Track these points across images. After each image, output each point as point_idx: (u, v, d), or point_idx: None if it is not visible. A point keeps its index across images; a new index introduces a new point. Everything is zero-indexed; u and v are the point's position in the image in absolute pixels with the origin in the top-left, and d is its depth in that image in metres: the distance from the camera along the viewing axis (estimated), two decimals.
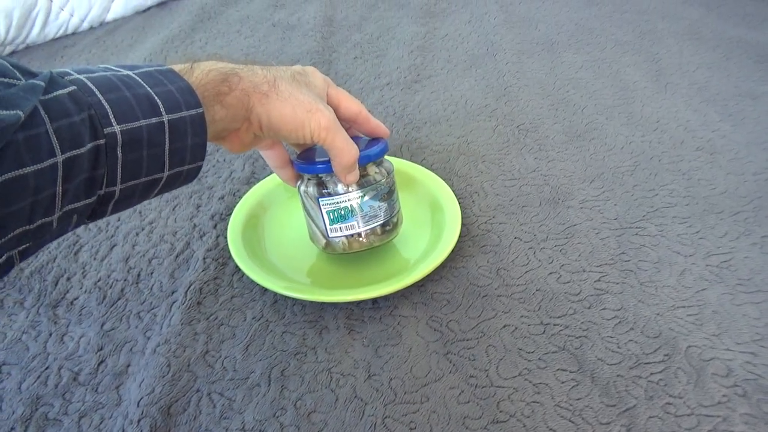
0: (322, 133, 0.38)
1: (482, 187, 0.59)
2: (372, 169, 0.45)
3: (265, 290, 0.49)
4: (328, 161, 0.42)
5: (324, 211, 0.44)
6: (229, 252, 0.52)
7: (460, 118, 0.70)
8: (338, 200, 0.44)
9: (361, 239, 0.46)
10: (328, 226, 0.45)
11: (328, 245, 0.46)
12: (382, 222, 0.46)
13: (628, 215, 0.54)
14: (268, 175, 0.60)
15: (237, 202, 0.57)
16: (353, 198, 0.44)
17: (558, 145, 0.64)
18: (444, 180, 0.58)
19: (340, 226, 0.45)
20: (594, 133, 0.66)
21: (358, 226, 0.45)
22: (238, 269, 0.51)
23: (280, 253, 0.51)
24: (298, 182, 0.46)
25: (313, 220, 0.46)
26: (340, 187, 0.44)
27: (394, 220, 0.47)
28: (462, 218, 0.53)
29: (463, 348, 0.42)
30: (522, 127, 0.68)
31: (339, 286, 0.47)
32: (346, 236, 0.45)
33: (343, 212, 0.44)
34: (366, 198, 0.44)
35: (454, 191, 0.56)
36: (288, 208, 0.57)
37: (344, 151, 0.40)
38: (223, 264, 0.52)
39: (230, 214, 0.56)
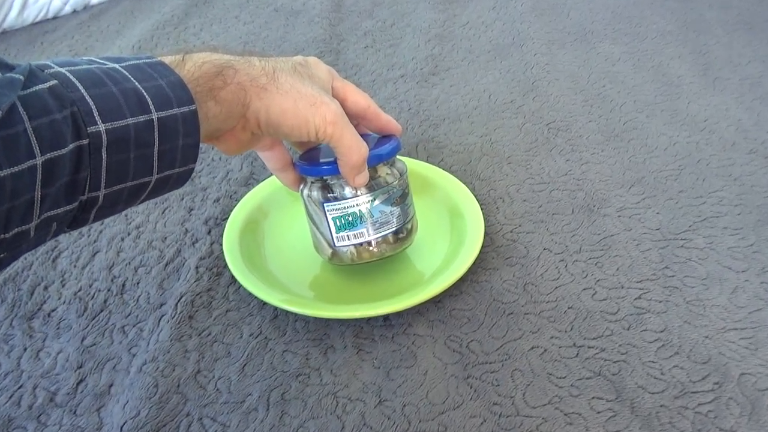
0: (328, 129, 0.38)
1: (507, 192, 0.59)
2: (383, 171, 0.45)
3: (264, 304, 0.49)
4: (334, 162, 0.42)
5: (330, 218, 0.45)
6: (224, 261, 0.52)
7: (482, 115, 0.70)
8: (345, 205, 0.44)
9: (371, 248, 0.46)
10: (334, 234, 0.45)
11: (335, 255, 0.47)
12: (394, 229, 0.46)
13: (673, 225, 0.54)
14: (270, 176, 0.60)
15: (234, 206, 0.57)
16: (362, 202, 0.44)
17: (593, 145, 0.65)
18: (465, 183, 0.58)
19: (348, 233, 0.45)
20: (633, 132, 0.66)
21: (368, 234, 0.45)
22: (234, 280, 0.51)
23: (281, 263, 0.51)
24: (301, 186, 0.46)
25: (317, 228, 0.46)
26: (348, 191, 0.44)
27: (408, 227, 0.47)
28: (485, 226, 0.53)
29: (486, 372, 0.42)
30: (552, 126, 0.68)
31: (346, 300, 0.47)
32: (355, 245, 0.45)
33: (350, 218, 0.44)
34: (376, 202, 0.44)
35: (475, 196, 0.56)
36: (291, 213, 0.57)
37: (352, 149, 0.40)
38: (218, 274, 0.52)
39: (226, 218, 0.57)
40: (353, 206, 0.44)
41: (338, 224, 0.45)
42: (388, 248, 0.46)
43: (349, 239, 0.45)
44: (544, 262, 0.51)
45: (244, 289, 0.50)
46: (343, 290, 0.49)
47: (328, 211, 0.45)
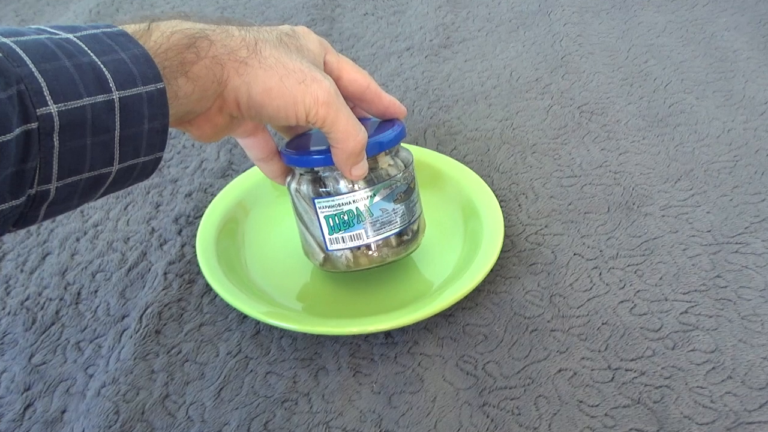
0: (320, 111, 0.38)
1: (532, 186, 0.59)
2: (385, 161, 0.45)
3: (244, 317, 0.49)
4: (327, 150, 0.42)
5: (321, 216, 0.45)
6: (197, 266, 0.52)
7: (503, 96, 0.71)
8: (340, 202, 0.44)
9: (370, 253, 0.46)
10: (326, 236, 0.45)
11: (327, 261, 0.47)
12: (398, 230, 0.46)
13: (726, 227, 0.54)
14: (251, 166, 0.60)
15: (209, 201, 0.57)
16: (360, 199, 0.44)
17: (633, 132, 0.65)
18: (481, 176, 0.58)
19: (343, 235, 0.45)
20: (680, 117, 0.66)
21: (367, 236, 0.45)
22: (209, 289, 0.51)
23: (264, 269, 0.51)
24: (288, 178, 0.47)
25: (307, 228, 0.47)
26: (343, 185, 0.44)
27: (414, 227, 0.48)
28: (505, 227, 0.53)
29: (505, 398, 0.42)
30: (585, 109, 0.68)
31: (341, 314, 0.47)
32: (351, 249, 0.46)
33: (346, 217, 0.44)
34: (377, 199, 0.44)
35: (494, 191, 0.56)
36: (276, 210, 0.57)
37: (349, 134, 0.40)
38: (190, 282, 0.52)
39: (200, 216, 0.57)
40: (349, 203, 0.44)
41: (331, 224, 0.45)
42: (391, 253, 0.47)
43: (344, 242, 0.45)
44: (574, 269, 0.51)
45: (221, 300, 0.50)
46: (338, 302, 0.49)
47: (319, 208, 0.45)
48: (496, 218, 0.52)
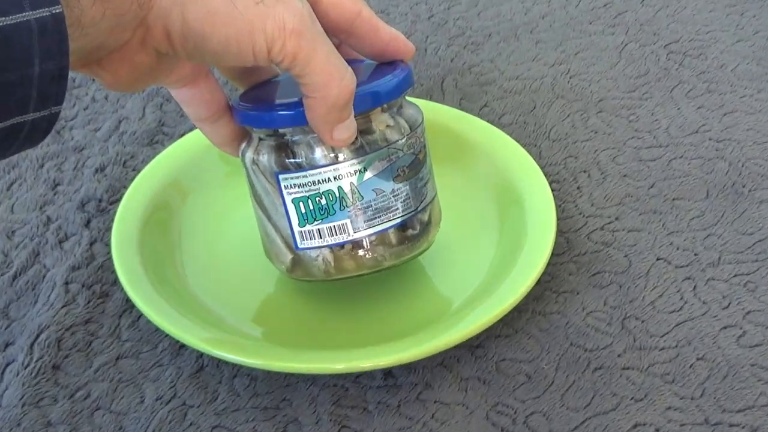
0: (288, 43, 0.38)
1: (596, 160, 0.59)
2: (381, 121, 0.46)
3: (180, 347, 0.49)
4: (299, 104, 0.43)
5: (289, 200, 0.45)
6: (113, 273, 0.52)
7: (556, 29, 0.71)
8: (316, 178, 0.45)
9: (359, 254, 0.47)
10: (295, 228, 0.46)
11: (298, 265, 0.48)
12: (399, 221, 0.47)
13: None
14: (192, 129, 0.60)
15: (131, 180, 0.57)
16: (344, 174, 0.45)
17: (743, 83, 0.65)
18: (524, 146, 0.58)
19: (319, 227, 0.46)
20: None
21: (354, 229, 0.46)
22: (130, 306, 0.51)
23: (210, 278, 0.52)
24: (243, 146, 0.47)
25: (269, 217, 0.47)
26: (320, 154, 0.44)
27: (424, 217, 0.48)
28: (558, 220, 0.53)
29: None
30: (675, 49, 0.69)
31: (320, 343, 0.48)
32: (331, 247, 0.46)
33: (324, 201, 0.45)
34: (369, 174, 0.45)
35: (542, 168, 0.56)
36: (228, 193, 0.57)
37: (330, 78, 0.40)
38: (104, 295, 0.52)
39: (117, 201, 0.57)
40: (328, 180, 0.45)
41: (303, 211, 0.45)
42: (389, 254, 0.47)
43: (320, 237, 0.46)
44: (656, 280, 0.52)
45: (148, 322, 0.50)
46: (315, 326, 0.49)
47: (285, 188, 0.45)
48: (544, 207, 0.53)
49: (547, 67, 0.68)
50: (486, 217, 0.55)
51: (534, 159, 0.57)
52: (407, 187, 0.47)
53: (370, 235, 0.46)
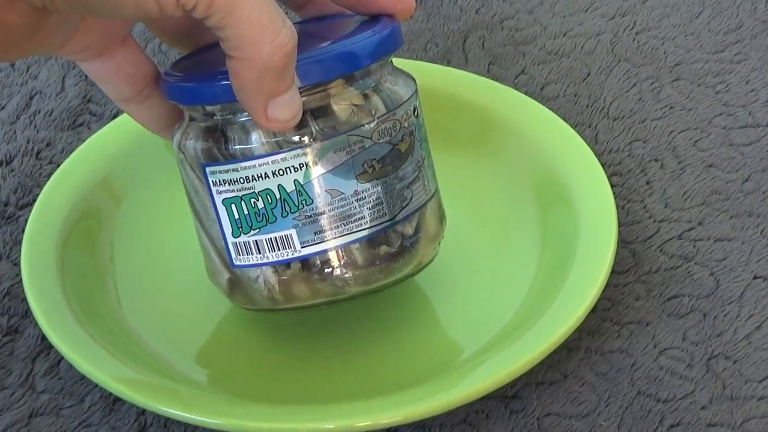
0: None
1: (672, 145, 0.57)
2: (344, 96, 0.43)
3: (116, 400, 0.46)
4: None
5: (219, 200, 0.43)
6: (25, 301, 0.49)
7: None
8: (250, 173, 0.43)
9: (312, 276, 0.45)
10: (229, 239, 0.44)
11: (236, 287, 0.46)
12: (365, 233, 0.44)
13: None
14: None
15: (48, 176, 0.55)
16: (287, 167, 0.43)
17: None
18: (574, 127, 0.56)
19: (257, 238, 0.43)
20: None
21: (301, 242, 0.44)
22: (47, 345, 0.48)
23: (153, 308, 0.50)
24: (176, 127, 0.46)
25: (201, 224, 0.46)
26: (257, 140, 0.43)
27: (407, 230, 0.46)
28: (620, 225, 0.51)
29: None
30: None
31: (296, 395, 0.46)
32: (274, 266, 0.44)
33: (261, 204, 0.43)
34: (320, 170, 0.43)
35: (598, 155, 0.54)
36: (177, 196, 0.52)
37: (260, 32, 0.38)
38: (12, 332, 0.50)
39: (29, 205, 0.55)
40: (266, 176, 0.42)
41: (236, 216, 0.43)
42: (354, 278, 0.45)
43: (259, 251, 0.44)
44: (753, 306, 0.49)
45: (70, 367, 0.47)
46: (290, 371, 0.47)
47: (213, 184, 0.43)
48: (601, 208, 0.50)
49: (606, 20, 0.65)
50: (522, 223, 0.53)
51: (588, 144, 0.54)
52: (378, 188, 0.43)
53: (323, 252, 0.43)
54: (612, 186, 0.51)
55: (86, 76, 0.63)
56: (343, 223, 0.43)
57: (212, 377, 0.47)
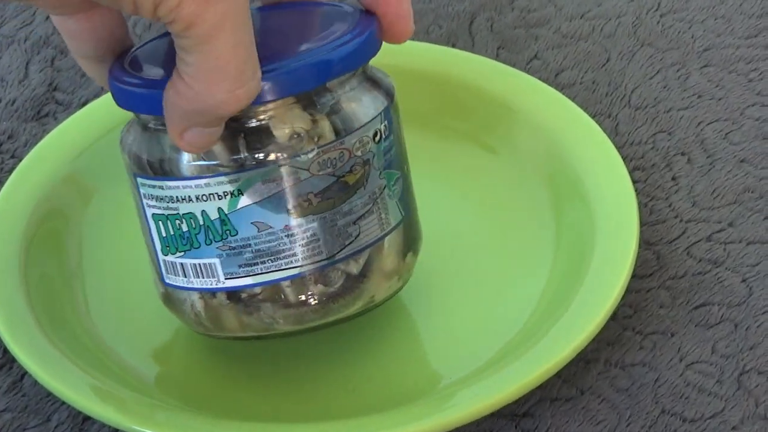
0: (187, 4, 0.35)
1: (701, 138, 0.57)
2: (288, 118, 0.42)
3: (85, 419, 0.45)
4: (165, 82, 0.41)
5: (149, 215, 0.43)
6: None
7: None
8: (173, 193, 0.42)
9: (239, 308, 0.44)
10: (160, 255, 0.44)
11: (170, 303, 0.46)
12: (296, 272, 0.43)
13: None
14: (98, 96, 0.59)
15: (9, 172, 0.55)
16: (211, 193, 0.42)
17: None
18: (593, 117, 0.55)
19: (183, 261, 0.43)
20: None
21: (225, 273, 0.43)
22: (9, 359, 0.48)
23: (124, 317, 0.50)
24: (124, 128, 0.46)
25: (143, 233, 0.46)
26: (185, 158, 0.42)
27: (352, 268, 0.45)
28: (641, 225, 0.50)
29: None
30: None
31: (282, 413, 0.45)
32: (201, 293, 0.44)
33: (185, 227, 0.42)
34: (246, 201, 0.42)
35: (619, 148, 0.54)
36: None
37: (222, 77, 0.37)
38: None
39: None
40: (188, 199, 0.42)
41: (164, 234, 0.43)
42: (284, 317, 0.44)
43: (185, 275, 0.43)
44: None
45: (34, 384, 0.47)
46: (252, 385, 0.47)
47: (144, 196, 0.43)
48: (622, 206, 0.49)
49: (627, 1, 0.64)
50: (533, 221, 0.52)
51: (608, 135, 0.53)
52: (315, 224, 0.42)
53: (249, 287, 0.43)
54: (634, 182, 0.51)
55: (52, 61, 0.63)
56: (271, 259, 0.42)
57: (185, 394, 0.46)
